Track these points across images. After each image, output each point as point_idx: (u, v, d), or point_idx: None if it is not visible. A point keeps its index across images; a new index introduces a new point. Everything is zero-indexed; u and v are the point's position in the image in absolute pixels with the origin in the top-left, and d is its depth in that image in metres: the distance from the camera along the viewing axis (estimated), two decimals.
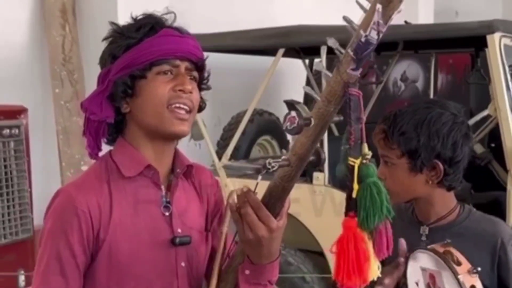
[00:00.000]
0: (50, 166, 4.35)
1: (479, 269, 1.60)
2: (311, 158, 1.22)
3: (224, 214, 1.45)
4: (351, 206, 1.18)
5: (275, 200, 1.32)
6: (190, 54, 1.49)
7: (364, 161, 1.18)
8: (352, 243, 1.17)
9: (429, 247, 1.62)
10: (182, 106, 1.46)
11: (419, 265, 1.63)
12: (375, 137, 1.74)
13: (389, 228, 1.20)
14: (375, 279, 1.19)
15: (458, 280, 1.56)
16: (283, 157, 1.24)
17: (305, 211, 3.78)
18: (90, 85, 4.31)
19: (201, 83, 1.54)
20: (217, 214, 1.63)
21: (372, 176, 1.18)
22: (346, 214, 1.19)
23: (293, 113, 1.14)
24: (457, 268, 1.57)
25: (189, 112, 1.47)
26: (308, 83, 4.75)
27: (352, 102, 1.12)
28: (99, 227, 1.43)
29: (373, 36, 1.04)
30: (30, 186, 3.91)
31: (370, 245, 1.18)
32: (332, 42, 1.07)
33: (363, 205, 1.17)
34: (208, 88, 1.56)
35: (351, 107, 1.12)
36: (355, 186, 1.17)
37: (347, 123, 1.15)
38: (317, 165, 1.22)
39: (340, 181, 3.90)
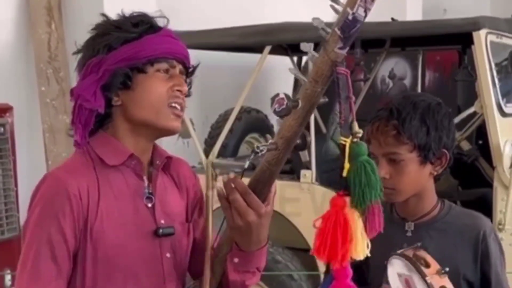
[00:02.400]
0: (36, 164, 4.32)
1: (447, 269, 1.62)
2: (297, 141, 1.23)
3: (206, 204, 1.47)
4: (341, 184, 1.18)
5: (262, 185, 1.33)
6: (185, 58, 1.54)
7: (355, 139, 1.17)
8: (333, 221, 1.17)
9: (399, 252, 1.64)
10: (177, 106, 1.50)
11: (395, 271, 1.64)
12: (382, 135, 1.71)
13: (380, 206, 1.21)
14: (362, 258, 1.19)
15: (426, 281, 1.58)
16: (270, 141, 1.24)
17: (292, 209, 3.77)
18: (76, 83, 4.28)
19: None
20: (197, 205, 1.64)
21: (363, 154, 1.18)
22: (337, 192, 1.19)
23: (282, 95, 1.14)
24: (425, 270, 1.60)
25: (181, 111, 1.51)
26: (296, 80, 4.75)
27: (340, 81, 1.12)
28: (88, 212, 1.43)
29: (360, 13, 1.04)
30: (16, 185, 3.89)
31: (360, 224, 1.18)
32: (317, 22, 1.06)
33: (358, 183, 1.18)
34: (189, 94, 1.58)
35: (339, 86, 1.12)
36: (346, 165, 1.17)
37: (337, 102, 1.15)
38: (303, 149, 1.23)
39: (328, 179, 3.90)
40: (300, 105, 1.15)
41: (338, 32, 1.06)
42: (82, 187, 1.43)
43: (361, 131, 1.17)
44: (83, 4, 4.38)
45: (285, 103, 1.14)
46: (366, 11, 1.03)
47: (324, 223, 1.18)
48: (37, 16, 4.32)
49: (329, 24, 1.12)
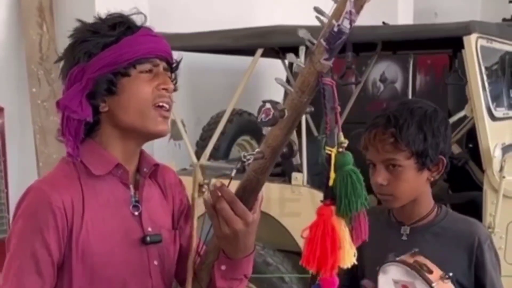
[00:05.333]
0: (27, 166, 4.31)
1: (450, 274, 1.63)
2: (284, 150, 1.23)
3: (192, 210, 1.46)
4: (327, 194, 1.19)
5: (249, 193, 1.33)
6: (167, 54, 1.52)
7: (340, 149, 1.18)
8: (320, 231, 1.18)
9: (398, 259, 1.65)
10: (164, 105, 1.48)
11: (390, 278, 1.65)
12: (380, 142, 1.73)
13: (366, 215, 1.22)
14: (349, 266, 1.20)
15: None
16: (256, 150, 1.25)
17: (284, 211, 3.78)
18: None
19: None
20: (183, 212, 1.64)
21: (349, 164, 1.19)
22: (323, 202, 1.20)
23: (268, 105, 1.15)
24: (430, 276, 1.60)
25: (168, 110, 1.49)
26: (288, 83, 4.76)
27: (326, 92, 1.13)
28: (72, 225, 1.42)
29: (346, 25, 1.05)
30: (6, 186, 3.89)
31: (346, 233, 1.19)
32: (303, 33, 1.07)
33: (343, 192, 1.19)
34: (176, 89, 1.57)
35: (325, 96, 1.13)
36: (332, 174, 1.18)
37: (323, 113, 1.15)
38: (289, 157, 1.23)
39: (319, 181, 3.92)
40: (286, 114, 1.15)
41: (324, 43, 1.07)
42: (66, 199, 1.42)
43: (346, 141, 1.18)
44: (74, 5, 4.36)
45: (271, 113, 1.14)
46: (351, 23, 1.04)
47: (313, 233, 1.19)
48: (29, 17, 4.30)
49: (317, 28, 1.12)
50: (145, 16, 1.53)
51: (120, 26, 1.47)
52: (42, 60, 4.28)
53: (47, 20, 4.33)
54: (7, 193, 3.91)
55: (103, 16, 1.51)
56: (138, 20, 1.52)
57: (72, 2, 4.40)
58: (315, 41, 1.08)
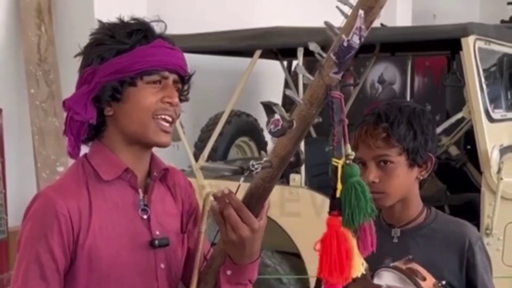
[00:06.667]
0: (25, 167, 4.31)
1: (443, 282, 1.63)
2: (291, 159, 1.25)
3: (202, 215, 1.47)
4: (335, 205, 1.20)
5: (256, 201, 1.34)
6: (179, 67, 1.52)
7: (348, 161, 1.19)
8: (334, 241, 1.19)
9: (391, 265, 1.64)
10: (167, 118, 1.48)
11: (384, 283, 1.65)
12: (372, 138, 1.73)
13: (372, 226, 1.23)
14: (359, 275, 1.21)
15: None
16: (264, 158, 1.26)
17: (282, 212, 3.79)
18: (66, 85, 4.26)
19: (181, 95, 1.56)
20: (192, 215, 1.65)
21: (356, 176, 1.20)
22: (330, 213, 1.21)
23: (277, 116, 1.16)
24: (422, 284, 1.60)
25: (171, 123, 1.50)
26: (286, 84, 4.78)
27: (334, 105, 1.14)
28: (79, 231, 1.44)
29: (355, 40, 1.06)
30: (4, 187, 3.88)
31: (354, 243, 1.20)
32: (313, 46, 1.08)
33: (348, 203, 1.19)
34: (187, 99, 1.57)
35: (333, 109, 1.14)
36: (339, 186, 1.19)
37: (330, 125, 1.17)
38: (296, 166, 1.24)
39: (318, 183, 3.93)
40: (294, 125, 1.16)
41: (334, 57, 1.08)
42: (71, 206, 1.43)
43: (353, 153, 1.19)
44: (73, 7, 4.35)
45: (280, 124, 1.15)
46: (360, 38, 1.05)
47: (327, 244, 1.19)
48: (27, 19, 4.29)
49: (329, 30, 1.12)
50: (165, 25, 1.53)
51: (136, 34, 1.47)
52: (40, 61, 4.28)
53: (46, 21, 4.32)
54: (5, 194, 3.91)
55: (126, 18, 1.51)
56: (158, 28, 1.51)
57: (71, 3, 4.40)
58: (324, 55, 1.09)
